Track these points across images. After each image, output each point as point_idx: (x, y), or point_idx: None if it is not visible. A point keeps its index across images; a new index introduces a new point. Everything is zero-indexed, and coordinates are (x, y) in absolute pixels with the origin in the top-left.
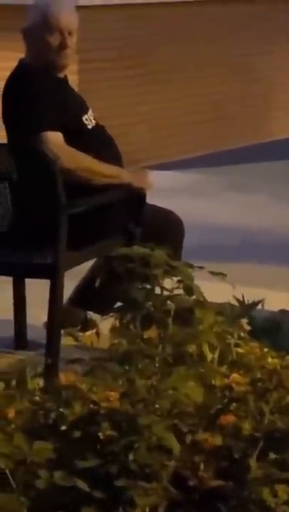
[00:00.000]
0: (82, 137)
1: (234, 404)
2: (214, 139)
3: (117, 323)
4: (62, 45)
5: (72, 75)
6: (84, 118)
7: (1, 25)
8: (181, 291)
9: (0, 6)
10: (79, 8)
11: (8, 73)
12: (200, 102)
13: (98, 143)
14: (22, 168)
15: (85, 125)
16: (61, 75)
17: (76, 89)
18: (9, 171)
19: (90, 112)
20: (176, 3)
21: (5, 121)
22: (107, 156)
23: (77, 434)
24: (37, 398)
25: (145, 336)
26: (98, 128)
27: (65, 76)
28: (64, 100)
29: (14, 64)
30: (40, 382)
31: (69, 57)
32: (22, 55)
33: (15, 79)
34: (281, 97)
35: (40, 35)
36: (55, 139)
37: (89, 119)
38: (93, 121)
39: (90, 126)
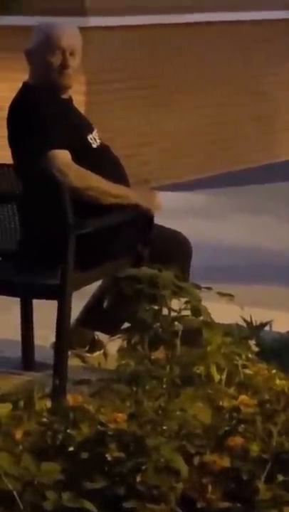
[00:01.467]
0: (87, 156)
1: (242, 425)
2: (222, 160)
3: (125, 344)
4: (64, 65)
5: (80, 95)
6: (89, 137)
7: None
8: (188, 312)
9: None
10: (88, 29)
11: (6, 93)
12: (209, 123)
13: (103, 162)
14: (29, 188)
15: (90, 144)
16: (65, 96)
17: (84, 109)
18: (16, 191)
19: (94, 132)
20: (185, 24)
21: (11, 143)
22: (113, 176)
23: (84, 455)
24: (45, 419)
25: (153, 357)
26: (103, 147)
27: (70, 97)
28: (69, 120)
29: (12, 83)
30: (48, 403)
31: (71, 77)
32: (20, 75)
33: (19, 100)
34: (288, 118)
35: (42, 56)
36: (62, 156)
37: (94, 139)
38: (98, 141)
39: (94, 146)
